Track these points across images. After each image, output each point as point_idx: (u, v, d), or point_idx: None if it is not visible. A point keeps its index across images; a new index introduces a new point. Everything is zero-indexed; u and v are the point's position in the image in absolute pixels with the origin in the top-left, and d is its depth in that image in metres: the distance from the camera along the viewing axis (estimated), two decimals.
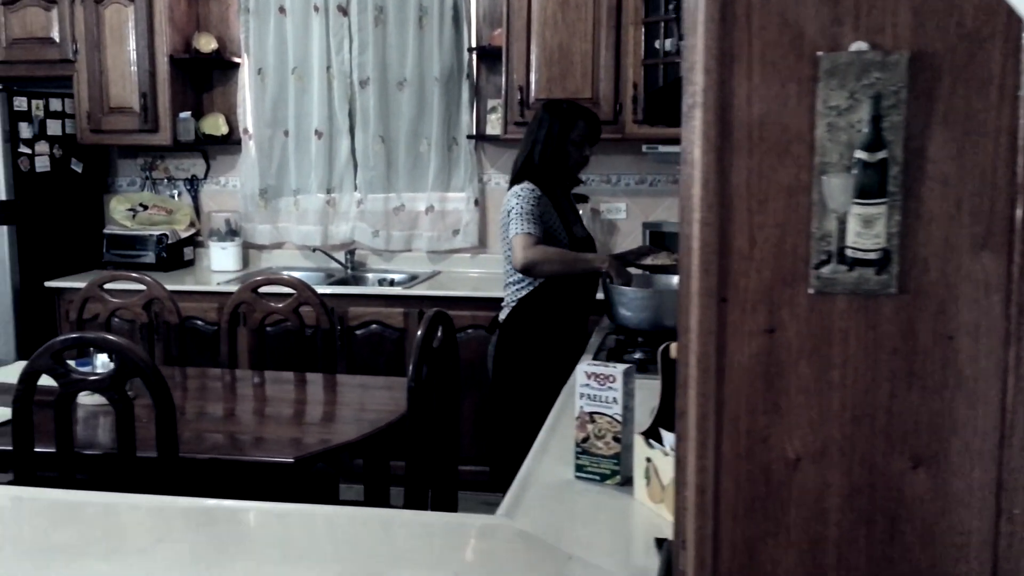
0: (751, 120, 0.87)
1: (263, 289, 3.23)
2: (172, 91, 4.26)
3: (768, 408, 0.89)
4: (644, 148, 3.93)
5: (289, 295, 3.16)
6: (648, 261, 3.04)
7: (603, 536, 1.50)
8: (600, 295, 3.01)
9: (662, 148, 3.85)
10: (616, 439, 1.68)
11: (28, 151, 4.09)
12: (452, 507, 2.65)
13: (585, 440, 1.70)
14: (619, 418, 1.67)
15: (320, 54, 4.36)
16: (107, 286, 4.04)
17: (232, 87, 4.56)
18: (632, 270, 3.01)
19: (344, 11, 4.32)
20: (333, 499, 2.87)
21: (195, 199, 4.63)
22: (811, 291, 0.88)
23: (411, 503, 2.39)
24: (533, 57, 3.94)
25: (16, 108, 4.02)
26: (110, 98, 4.28)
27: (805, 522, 0.89)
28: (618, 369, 1.67)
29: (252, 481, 2.25)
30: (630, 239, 4.29)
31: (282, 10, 4.37)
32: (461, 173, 4.37)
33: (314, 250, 4.43)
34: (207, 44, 4.38)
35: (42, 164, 4.17)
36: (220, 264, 4.42)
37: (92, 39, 4.25)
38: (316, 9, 4.32)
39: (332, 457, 2.29)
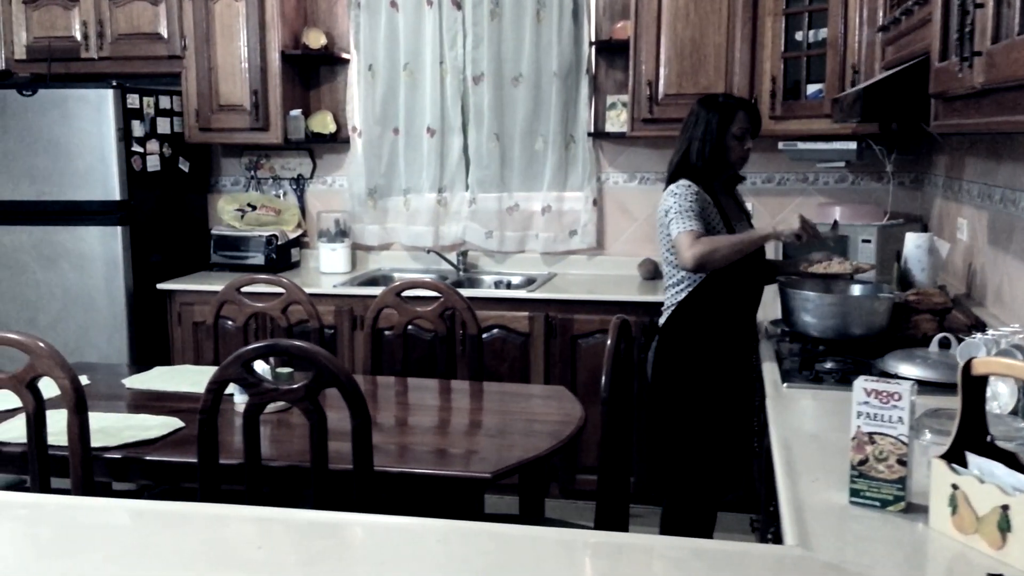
0: None
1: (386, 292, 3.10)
2: (283, 88, 4.16)
3: None
4: (781, 145, 3.76)
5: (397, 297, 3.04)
6: (820, 269, 2.85)
7: (921, 571, 1.35)
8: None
9: (801, 145, 3.68)
10: (900, 462, 1.52)
11: (140, 150, 4.00)
12: (625, 523, 2.51)
13: (863, 463, 1.55)
14: (904, 439, 1.51)
15: (433, 49, 4.24)
16: (210, 288, 3.97)
17: (339, 84, 4.46)
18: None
19: (458, 5, 4.19)
20: (479, 512, 2.73)
21: (300, 199, 4.53)
22: None
23: (605, 521, 2.25)
24: (663, 51, 3.79)
25: (129, 106, 3.93)
26: (219, 95, 4.19)
27: None
28: (904, 386, 1.52)
29: (438, 496, 2.12)
30: None
31: (393, 4, 4.25)
32: (579, 172, 4.23)
33: (428, 251, 4.31)
34: (316, 40, 4.27)
35: (153, 163, 4.09)
36: (329, 266, 4.32)
37: (201, 34, 4.16)
38: (429, 3, 4.20)
39: (524, 471, 2.15)
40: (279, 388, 1.99)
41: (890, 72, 2.14)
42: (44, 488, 2.09)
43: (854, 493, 1.56)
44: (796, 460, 1.76)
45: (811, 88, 3.58)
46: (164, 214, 4.20)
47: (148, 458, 2.18)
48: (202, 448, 2.02)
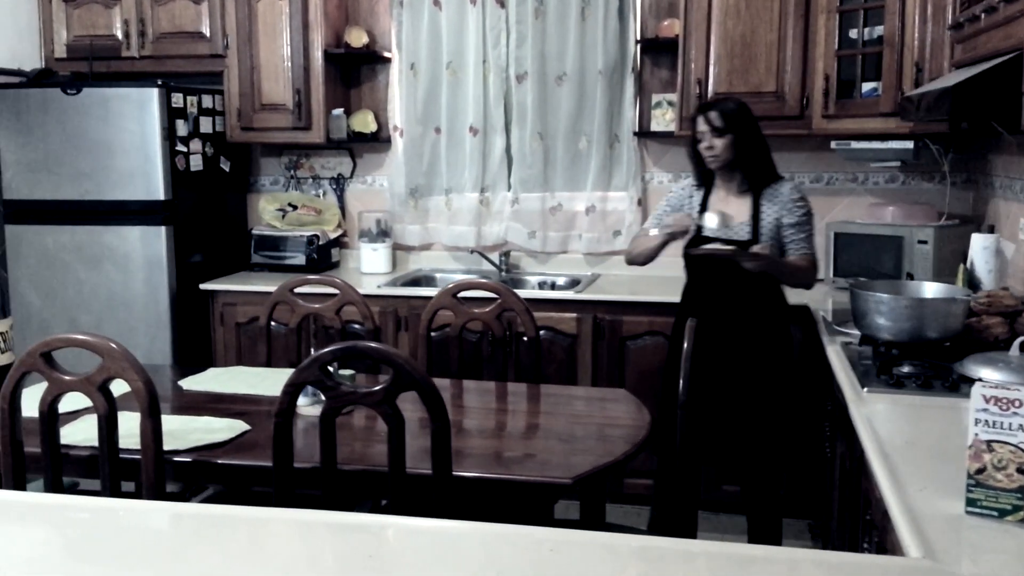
0: None
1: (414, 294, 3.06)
2: (325, 87, 4.13)
3: None
4: (833, 144, 3.71)
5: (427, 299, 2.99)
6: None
7: None
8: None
9: (855, 144, 3.63)
10: (1020, 471, 1.47)
11: (184, 149, 3.97)
12: (693, 529, 2.46)
13: (980, 471, 1.50)
14: None
15: (476, 48, 4.20)
16: (253, 288, 3.95)
17: (380, 83, 4.42)
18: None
19: (502, 3, 4.15)
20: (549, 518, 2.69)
21: (340, 198, 4.49)
22: None
23: (661, 526, 2.21)
24: (713, 49, 3.74)
25: (173, 105, 3.91)
26: (262, 94, 4.15)
27: None
28: None
29: (514, 501, 2.08)
30: None
31: (436, 3, 4.21)
32: (623, 171, 4.18)
33: (472, 251, 4.27)
34: (358, 38, 4.24)
35: (196, 163, 4.06)
36: (370, 266, 4.28)
37: (244, 33, 4.13)
38: (472, 1, 4.16)
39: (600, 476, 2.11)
40: (357, 391, 1.95)
41: (983, 68, 2.09)
42: (114, 492, 2.06)
43: (971, 503, 1.51)
44: (897, 468, 1.71)
45: (866, 86, 3.52)
46: (205, 214, 4.18)
47: (219, 461, 2.15)
48: (277, 452, 1.98)
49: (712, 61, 3.74)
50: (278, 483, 2.00)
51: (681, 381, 2.16)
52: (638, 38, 4.08)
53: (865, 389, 2.20)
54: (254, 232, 4.33)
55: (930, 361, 2.37)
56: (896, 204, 3.75)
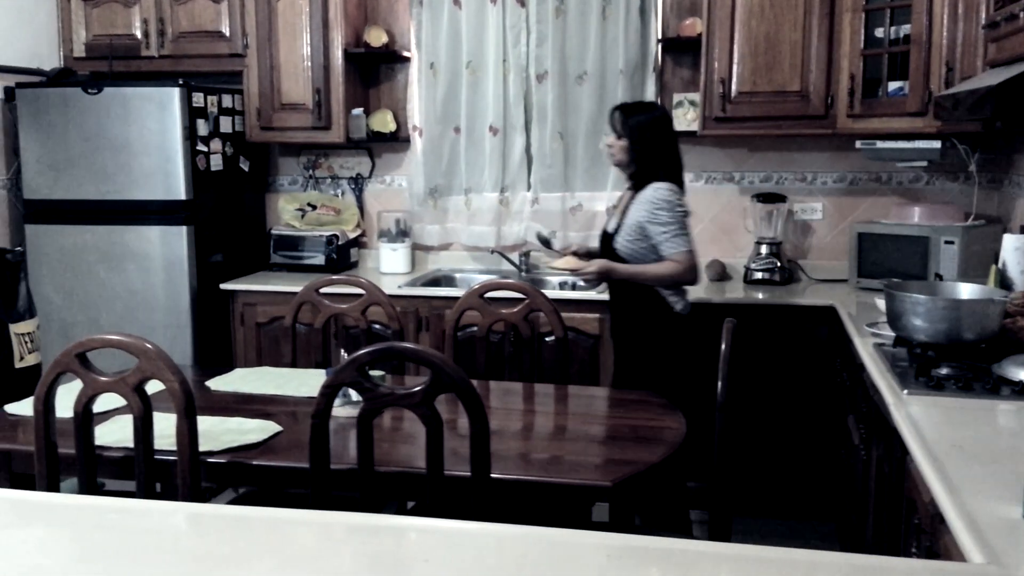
0: None
1: (435, 294, 3.05)
2: (345, 87, 4.11)
3: None
4: (859, 144, 3.68)
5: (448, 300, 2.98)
6: (560, 264, 3.17)
7: None
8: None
9: (881, 144, 3.60)
10: None
11: (204, 149, 3.96)
12: (728, 533, 2.44)
13: None
14: None
15: (496, 47, 4.18)
16: (273, 288, 3.93)
17: (399, 82, 4.40)
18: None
19: (522, 2, 4.14)
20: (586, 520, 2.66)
21: (359, 198, 4.48)
22: None
23: (717, 531, 2.19)
24: (736, 48, 3.72)
25: (194, 104, 3.89)
26: (281, 94, 4.14)
27: None
28: None
29: (548, 504, 2.06)
30: (827, 241, 4.06)
31: (456, 2, 4.20)
32: None
33: (492, 251, 4.25)
34: (377, 38, 4.22)
35: (216, 163, 4.05)
36: (389, 266, 4.26)
37: (264, 33, 4.11)
38: (493, 1, 4.14)
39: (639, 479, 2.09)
40: (395, 392, 1.94)
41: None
42: (149, 494, 2.04)
43: None
44: (948, 472, 1.69)
45: (892, 86, 3.50)
46: (225, 214, 4.16)
47: (254, 463, 2.13)
48: (314, 453, 1.97)
49: (736, 60, 3.72)
50: (315, 485, 1.98)
51: (719, 383, 2.14)
52: (659, 37, 4.06)
53: (905, 391, 2.18)
54: (273, 232, 4.31)
55: (968, 363, 2.34)
56: (921, 204, 3.72)
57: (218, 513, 1.60)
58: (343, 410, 2.41)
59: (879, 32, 3.55)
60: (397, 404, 1.94)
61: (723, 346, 2.18)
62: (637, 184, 3.12)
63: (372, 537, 1.46)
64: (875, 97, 3.57)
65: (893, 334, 2.68)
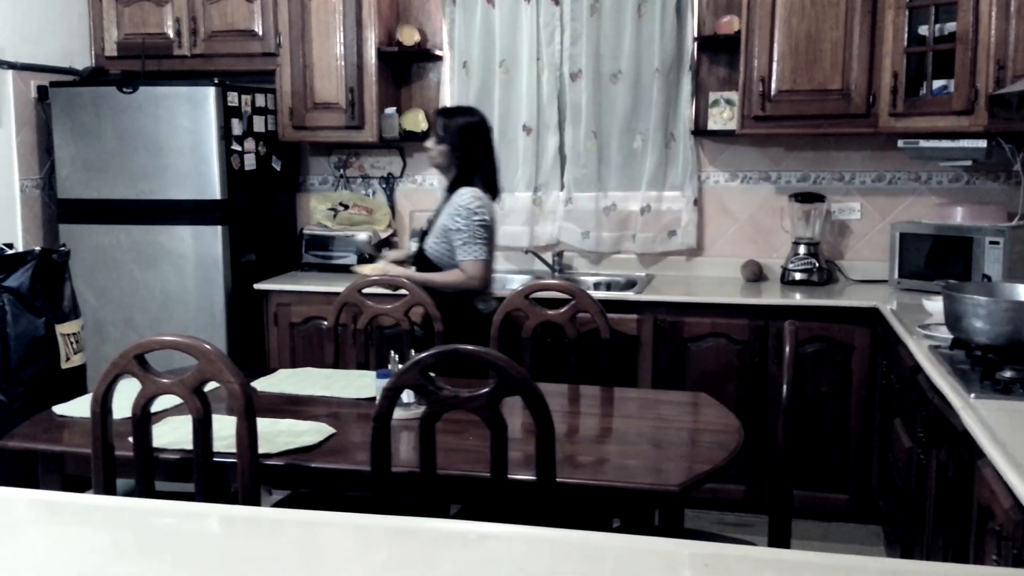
0: None
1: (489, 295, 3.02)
2: (378, 86, 4.09)
3: None
4: (901, 143, 3.64)
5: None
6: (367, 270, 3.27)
7: None
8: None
9: (924, 143, 3.56)
10: None
11: (239, 148, 3.94)
12: (787, 538, 2.41)
13: None
14: None
15: (529, 45, 4.15)
16: (307, 289, 3.91)
17: (430, 81, 4.38)
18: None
19: (556, 0, 4.11)
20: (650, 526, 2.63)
21: (390, 197, 4.45)
22: None
23: (777, 536, 2.16)
24: (776, 46, 3.68)
25: (229, 104, 3.87)
26: (314, 93, 4.12)
27: None
28: None
29: (618, 509, 2.03)
30: (864, 241, 4.02)
31: (489, 1, 4.17)
32: (679, 171, 4.12)
33: (527, 252, 4.22)
34: (410, 36, 4.19)
35: (249, 162, 4.03)
36: (422, 266, 4.23)
37: (297, 32, 4.09)
38: None
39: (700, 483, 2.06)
40: (459, 396, 1.91)
41: None
42: (209, 497, 2.02)
43: None
44: None
45: (936, 84, 3.46)
46: (258, 213, 4.14)
47: (313, 465, 2.11)
48: (375, 455, 1.94)
49: (776, 58, 3.69)
50: (376, 488, 1.95)
51: (784, 386, 2.10)
52: (695, 35, 4.02)
53: (972, 395, 2.15)
54: (305, 232, 4.29)
55: None
56: (964, 204, 3.68)
57: (274, 517, 1.58)
58: (396, 412, 2.38)
59: (923, 30, 3.51)
60: (461, 407, 1.91)
61: (787, 349, 2.15)
62: (452, 188, 3.23)
63: (466, 544, 1.43)
64: (918, 96, 3.53)
65: (947, 336, 2.65)
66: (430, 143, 3.30)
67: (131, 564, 1.35)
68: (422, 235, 3.35)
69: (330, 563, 1.34)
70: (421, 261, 3.31)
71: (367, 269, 3.33)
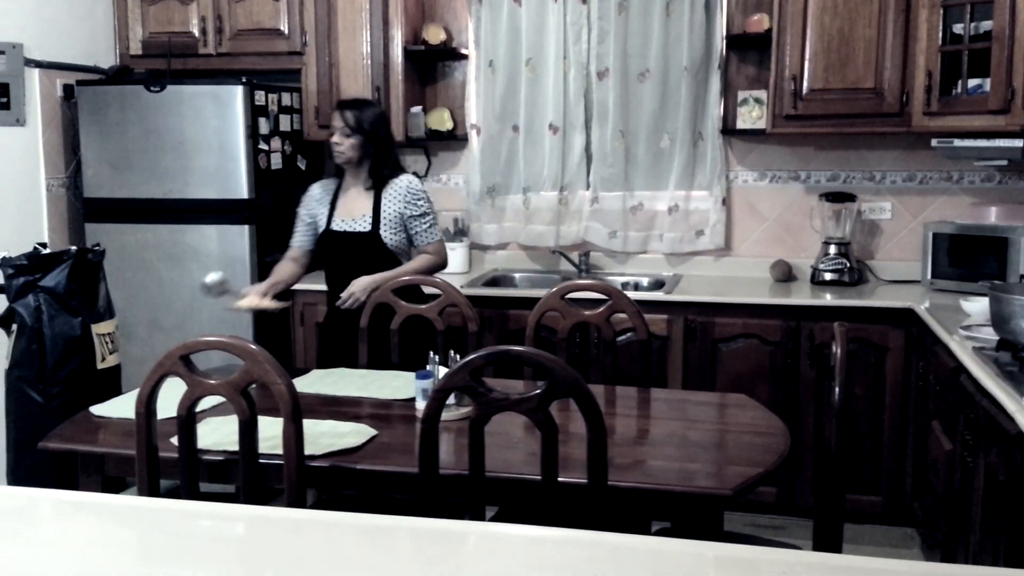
0: None
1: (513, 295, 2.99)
2: (404, 84, 4.07)
3: None
4: (935, 142, 3.60)
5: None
6: (244, 304, 3.15)
7: None
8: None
9: (958, 143, 3.52)
10: None
11: (265, 148, 3.92)
12: (838, 543, 2.38)
13: None
14: None
15: (556, 44, 4.12)
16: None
17: (456, 80, 4.36)
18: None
19: None
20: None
21: None
22: None
23: (824, 540, 2.13)
24: (808, 44, 3.65)
25: (256, 103, 3.85)
26: (340, 92, 4.09)
27: None
28: None
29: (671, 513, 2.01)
30: (894, 242, 3.98)
31: None
32: (707, 170, 4.09)
33: (554, 251, 4.20)
34: (436, 35, 4.17)
35: (276, 161, 4.01)
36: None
37: (323, 30, 4.07)
38: None
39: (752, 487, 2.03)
40: (509, 398, 1.88)
41: None
42: (253, 499, 2.00)
43: None
44: None
45: (971, 83, 3.42)
46: (283, 213, 4.11)
47: (358, 467, 2.09)
48: (423, 457, 1.92)
49: (807, 57, 3.66)
50: (424, 489, 1.93)
51: (836, 388, 2.08)
52: (724, 33, 3.99)
53: None
54: None
55: None
56: (998, 204, 3.65)
57: (327, 519, 1.55)
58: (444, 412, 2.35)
59: (958, 28, 3.48)
60: (511, 409, 1.89)
61: (837, 351, 2.12)
62: (377, 179, 3.23)
63: (516, 547, 1.41)
64: (952, 95, 3.49)
65: (990, 337, 2.62)
66: (337, 137, 3.23)
67: (182, 567, 1.33)
68: (353, 236, 3.24)
69: (387, 568, 1.31)
70: (368, 255, 3.21)
71: (244, 303, 3.18)
